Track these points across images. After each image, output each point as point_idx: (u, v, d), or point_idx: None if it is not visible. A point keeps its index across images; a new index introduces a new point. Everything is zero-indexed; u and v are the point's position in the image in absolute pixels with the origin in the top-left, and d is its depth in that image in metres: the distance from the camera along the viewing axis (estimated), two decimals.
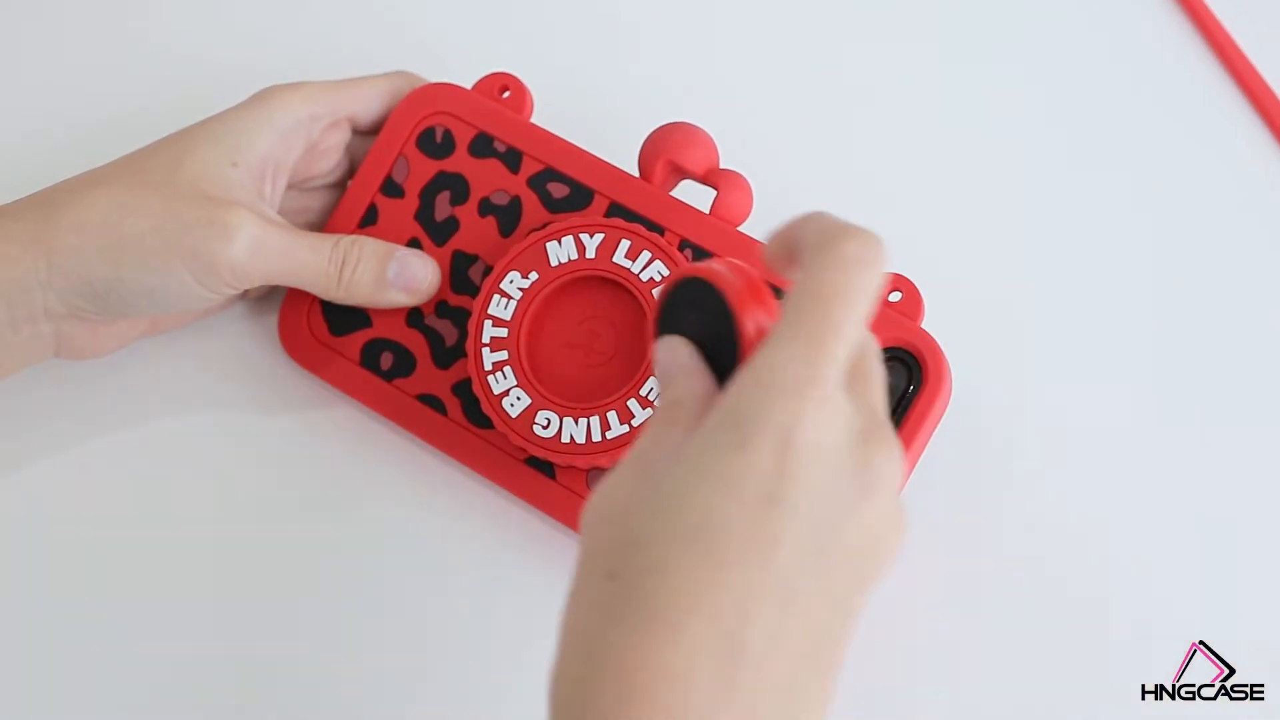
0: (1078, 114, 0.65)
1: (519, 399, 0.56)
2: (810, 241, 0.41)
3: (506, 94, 0.60)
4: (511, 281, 0.57)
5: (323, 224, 0.61)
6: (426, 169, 0.59)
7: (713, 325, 0.43)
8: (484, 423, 0.57)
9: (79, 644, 0.56)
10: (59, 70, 0.68)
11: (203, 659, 0.56)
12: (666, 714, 0.37)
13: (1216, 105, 0.64)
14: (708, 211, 0.57)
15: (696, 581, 0.38)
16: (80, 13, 0.68)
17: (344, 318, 0.59)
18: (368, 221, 0.59)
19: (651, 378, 0.54)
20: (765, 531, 0.38)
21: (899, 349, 0.54)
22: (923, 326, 0.54)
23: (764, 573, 0.38)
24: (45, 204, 0.55)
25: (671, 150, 0.57)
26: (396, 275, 0.57)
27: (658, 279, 0.55)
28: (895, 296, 0.55)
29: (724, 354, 0.43)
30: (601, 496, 0.41)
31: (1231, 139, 0.64)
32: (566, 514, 0.55)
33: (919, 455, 0.54)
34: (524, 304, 0.56)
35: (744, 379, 0.40)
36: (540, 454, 0.55)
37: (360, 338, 0.59)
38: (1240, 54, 0.64)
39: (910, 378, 0.54)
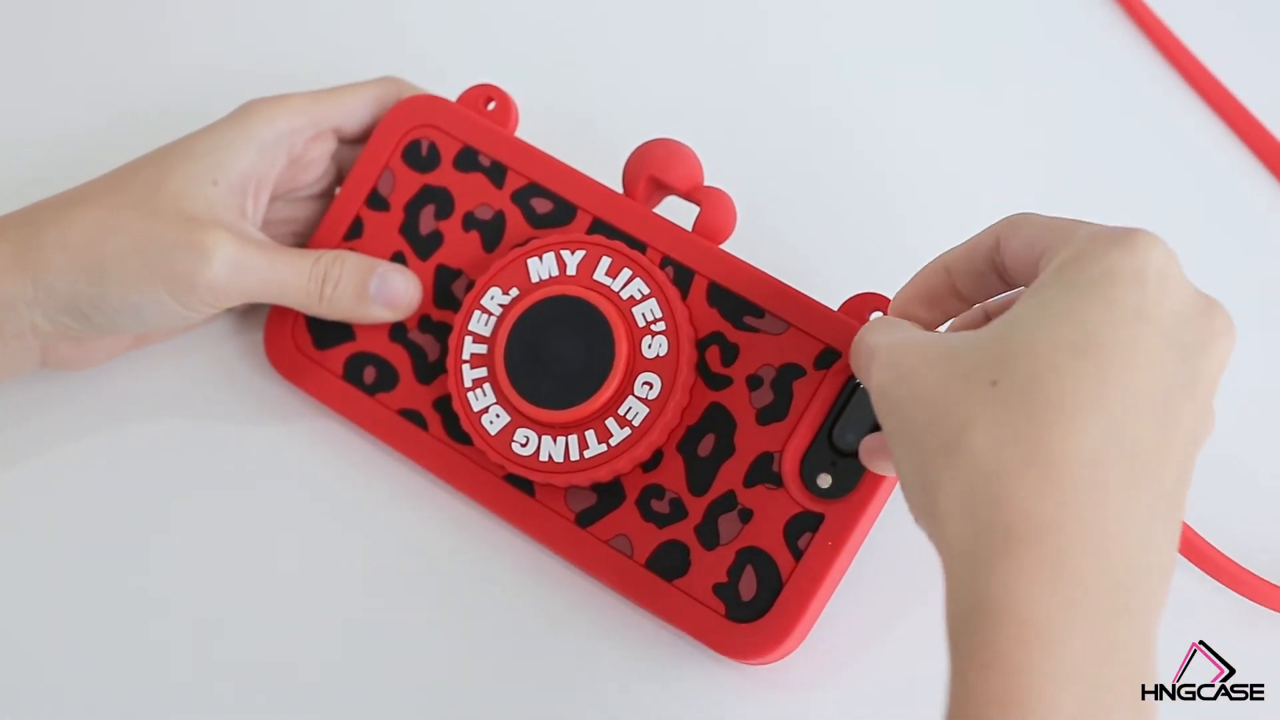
0: (1058, 119, 0.65)
1: (498, 416, 0.55)
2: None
3: (492, 105, 0.60)
4: (492, 298, 0.56)
5: (310, 234, 0.61)
6: (412, 182, 0.59)
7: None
8: (464, 439, 0.57)
9: (53, 654, 0.56)
10: (58, 75, 0.68)
11: (182, 672, 0.56)
12: (1085, 497, 0.39)
13: (1192, 119, 0.65)
14: (690, 229, 0.56)
15: (1086, 379, 0.40)
16: (79, 17, 0.68)
17: (328, 331, 0.59)
18: (353, 235, 0.59)
19: (629, 398, 0.54)
20: (1137, 343, 0.41)
21: None
22: None
23: (1137, 380, 0.41)
24: (29, 222, 0.55)
25: (655, 167, 0.56)
26: (378, 291, 0.57)
27: (638, 297, 0.55)
28: None
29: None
30: (904, 383, 0.43)
31: (1222, 162, 0.64)
32: (544, 532, 0.55)
33: None
34: (504, 320, 0.56)
35: (1077, 235, 0.43)
36: (519, 472, 0.55)
37: (344, 351, 0.59)
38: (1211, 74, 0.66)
39: None
